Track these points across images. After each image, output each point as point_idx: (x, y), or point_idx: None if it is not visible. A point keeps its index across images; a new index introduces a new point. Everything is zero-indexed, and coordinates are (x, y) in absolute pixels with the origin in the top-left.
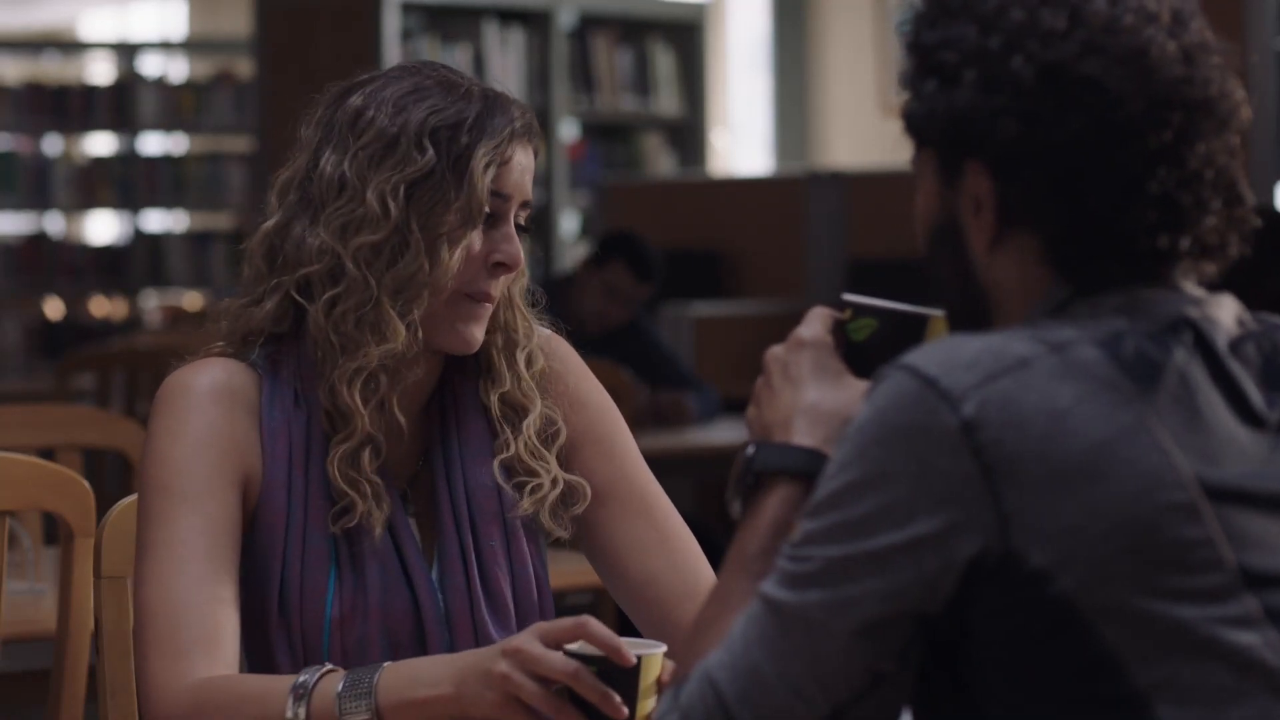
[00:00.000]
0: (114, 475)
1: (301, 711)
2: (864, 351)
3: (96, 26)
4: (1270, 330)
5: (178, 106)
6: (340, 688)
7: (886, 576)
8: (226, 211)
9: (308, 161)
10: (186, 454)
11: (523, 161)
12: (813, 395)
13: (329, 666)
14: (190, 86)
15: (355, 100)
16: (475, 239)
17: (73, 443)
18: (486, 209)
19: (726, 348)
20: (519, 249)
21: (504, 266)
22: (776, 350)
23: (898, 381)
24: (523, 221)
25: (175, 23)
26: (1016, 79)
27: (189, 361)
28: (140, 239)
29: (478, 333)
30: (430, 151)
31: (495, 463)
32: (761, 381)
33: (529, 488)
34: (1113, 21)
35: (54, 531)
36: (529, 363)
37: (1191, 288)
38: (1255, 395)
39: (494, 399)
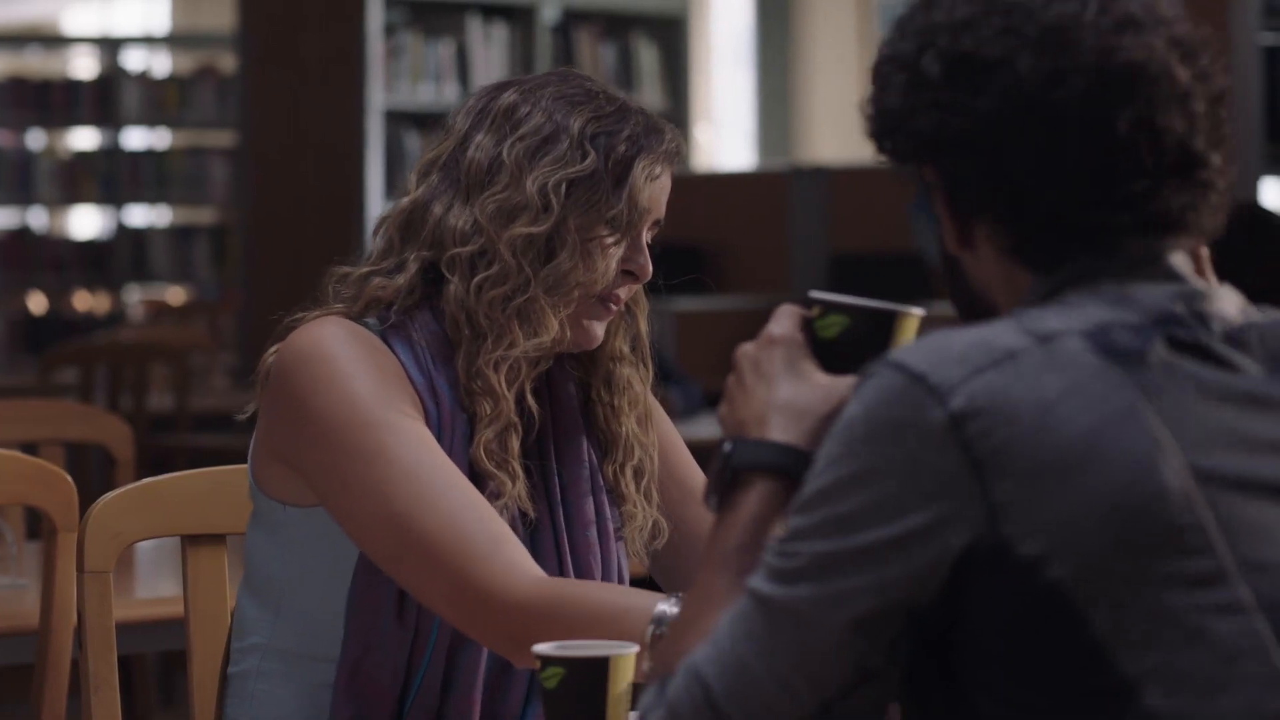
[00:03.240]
0: (97, 470)
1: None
2: (833, 349)
3: (79, 21)
4: (1277, 323)
5: (161, 101)
6: None
7: (877, 571)
8: (209, 206)
9: (455, 146)
10: (372, 387)
11: (666, 183)
12: (786, 392)
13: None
14: (173, 81)
15: (510, 96)
16: (621, 248)
17: (56, 437)
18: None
19: (709, 342)
20: (649, 260)
21: (633, 276)
22: (747, 348)
23: (885, 378)
24: (649, 240)
25: (158, 17)
26: (927, 74)
27: (307, 320)
28: (123, 233)
29: (600, 331)
30: (591, 155)
31: (590, 461)
32: (733, 379)
33: (623, 512)
34: (1028, 2)
35: (37, 526)
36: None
37: (1190, 277)
38: (1252, 381)
39: (616, 401)
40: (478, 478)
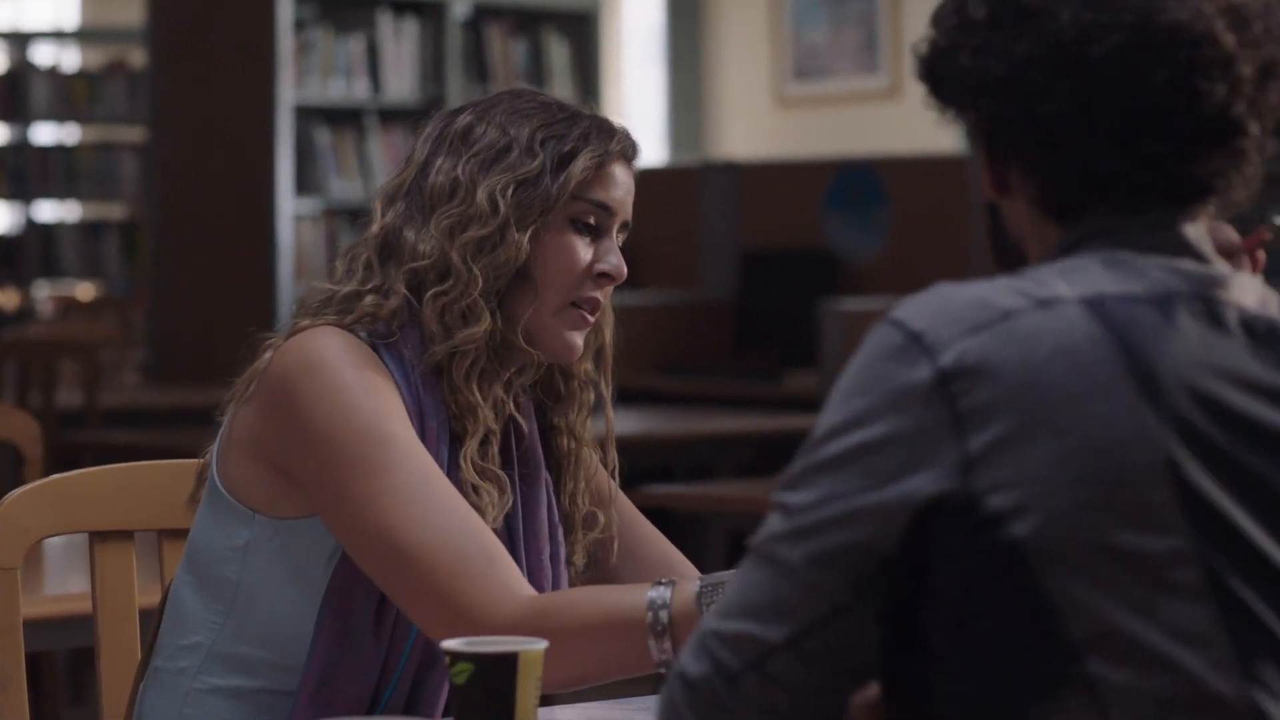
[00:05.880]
0: (6, 466)
1: (664, 613)
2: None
3: None
4: None
5: (70, 96)
6: (699, 589)
7: (845, 505)
8: (119, 202)
9: (416, 173)
10: (374, 400)
11: (625, 180)
12: None
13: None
14: (83, 76)
15: (466, 118)
16: (580, 246)
17: None
18: (591, 219)
19: (620, 338)
20: (623, 261)
21: (608, 276)
22: None
23: (885, 333)
24: (620, 244)
25: (67, 11)
26: (973, 17)
27: (302, 329)
28: (32, 229)
29: (580, 341)
30: (540, 156)
31: (549, 495)
32: None
33: (570, 539)
34: None
35: None
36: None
37: (1210, 256)
38: (1254, 370)
39: (576, 424)
40: (465, 491)
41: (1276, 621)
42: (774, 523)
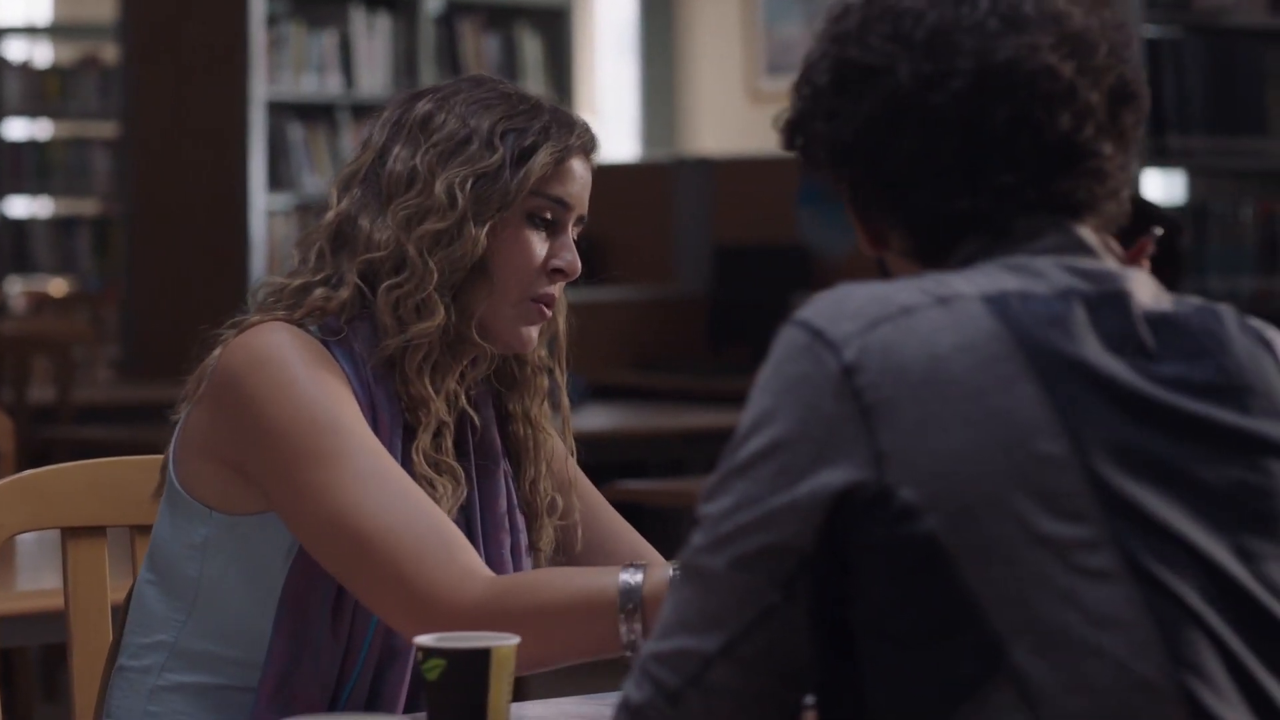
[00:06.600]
0: None
1: (636, 594)
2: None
3: None
4: (1192, 311)
5: (42, 91)
6: (673, 574)
7: (761, 508)
8: (92, 198)
9: (373, 159)
10: (324, 392)
11: (583, 175)
12: None
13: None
14: (55, 71)
15: (425, 105)
16: (537, 242)
17: None
18: (548, 215)
19: (594, 334)
20: (577, 257)
21: (562, 273)
22: None
23: (790, 336)
24: (575, 237)
25: (40, 7)
26: (819, 84)
27: (250, 325)
28: (4, 225)
29: (535, 335)
30: (500, 150)
31: (508, 482)
32: None
33: (534, 527)
34: (916, 7)
35: None
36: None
37: (1102, 252)
38: (1155, 367)
39: (532, 410)
40: (419, 484)
41: (1198, 601)
42: (696, 536)
